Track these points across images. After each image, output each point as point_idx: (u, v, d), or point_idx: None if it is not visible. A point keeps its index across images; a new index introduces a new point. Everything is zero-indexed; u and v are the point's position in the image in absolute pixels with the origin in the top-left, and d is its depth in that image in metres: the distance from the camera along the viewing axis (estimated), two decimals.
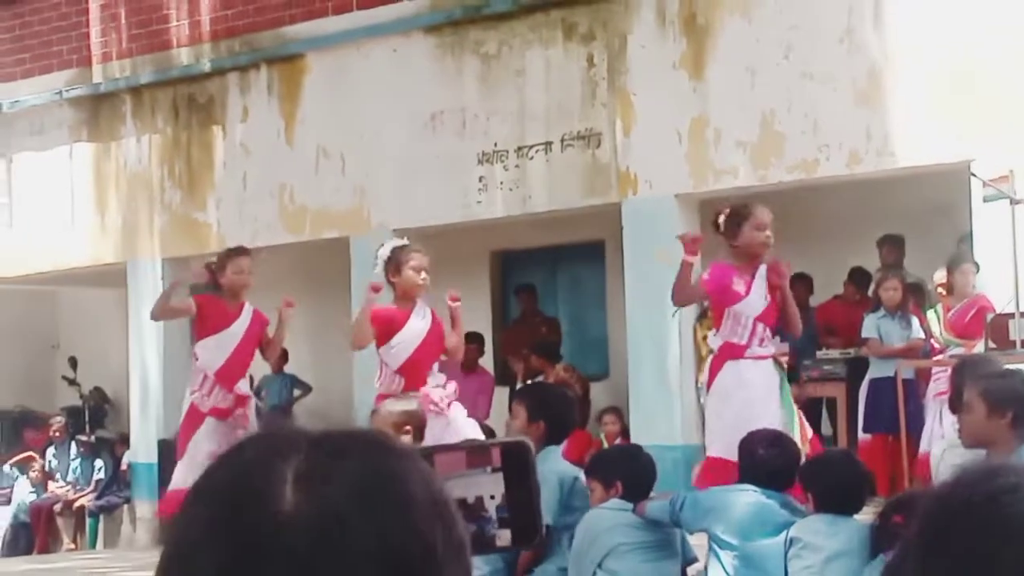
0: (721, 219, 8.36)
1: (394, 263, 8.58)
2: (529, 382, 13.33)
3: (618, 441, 12.53)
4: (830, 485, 5.41)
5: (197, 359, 9.63)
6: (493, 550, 1.35)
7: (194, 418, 9.49)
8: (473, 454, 1.38)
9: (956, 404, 5.65)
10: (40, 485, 16.92)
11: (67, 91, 15.94)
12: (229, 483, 1.18)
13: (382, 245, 8.84)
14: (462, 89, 13.25)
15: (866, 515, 5.25)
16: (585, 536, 5.99)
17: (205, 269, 9.72)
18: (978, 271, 10.99)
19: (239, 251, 9.81)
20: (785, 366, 8.76)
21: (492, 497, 1.36)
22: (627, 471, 6.07)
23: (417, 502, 1.16)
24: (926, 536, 1.25)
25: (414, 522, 1.14)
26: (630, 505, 5.92)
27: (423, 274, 8.62)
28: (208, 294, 9.66)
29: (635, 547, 5.88)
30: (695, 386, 12.29)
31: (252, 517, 1.14)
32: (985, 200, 9.83)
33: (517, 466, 1.38)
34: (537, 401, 6.70)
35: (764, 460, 5.64)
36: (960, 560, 1.20)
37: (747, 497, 5.70)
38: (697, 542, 6.13)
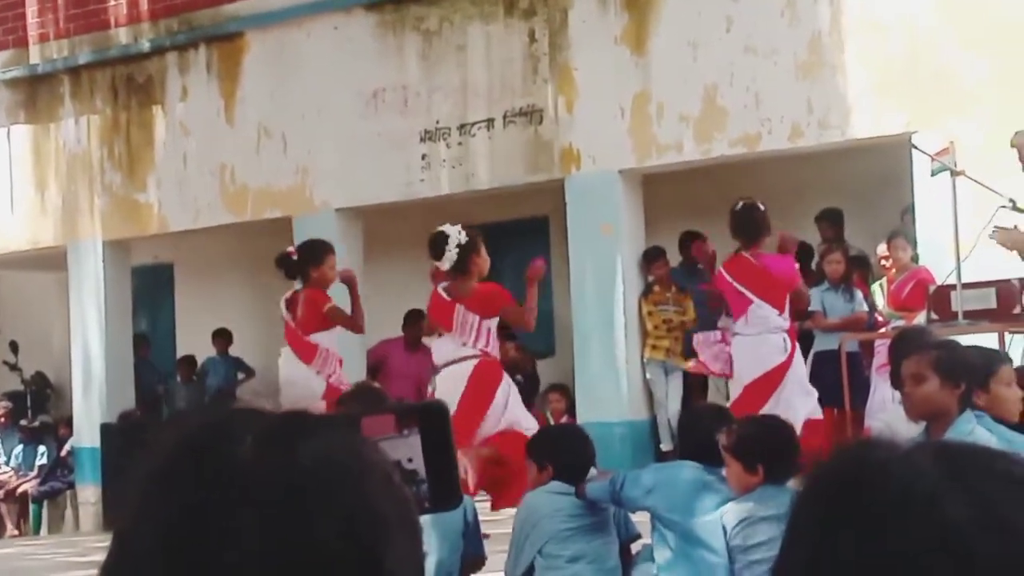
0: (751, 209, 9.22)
1: (474, 247, 9.12)
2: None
3: (564, 419, 12.51)
4: (772, 456, 5.35)
5: (322, 346, 9.69)
6: (423, 512, 1.33)
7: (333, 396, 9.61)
8: (401, 417, 1.36)
9: (895, 377, 5.63)
10: None
11: (4, 72, 15.76)
12: (186, 441, 1.18)
13: (443, 236, 9.15)
14: (404, 66, 13.17)
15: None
16: (526, 520, 5.92)
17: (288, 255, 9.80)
18: (915, 245, 11.05)
19: (330, 246, 9.93)
20: None
21: (410, 460, 1.35)
22: (559, 454, 6.00)
23: (374, 476, 1.18)
24: (800, 522, 1.25)
25: (370, 493, 1.16)
26: (571, 488, 5.85)
27: None
28: (319, 289, 9.73)
29: (576, 531, 5.84)
30: (641, 362, 12.28)
31: (210, 469, 1.14)
32: (933, 174, 9.84)
33: (435, 428, 1.37)
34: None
35: (707, 434, 5.60)
36: (820, 545, 1.21)
37: (688, 473, 5.65)
38: (640, 518, 6.10)
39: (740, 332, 9.31)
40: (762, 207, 9.42)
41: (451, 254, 9.06)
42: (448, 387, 9.02)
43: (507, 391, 9.11)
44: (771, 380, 9.21)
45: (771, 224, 9.38)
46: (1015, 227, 8.93)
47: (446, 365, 9.21)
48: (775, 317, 9.22)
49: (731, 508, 5.41)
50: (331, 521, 1.13)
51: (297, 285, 9.91)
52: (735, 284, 9.31)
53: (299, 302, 9.79)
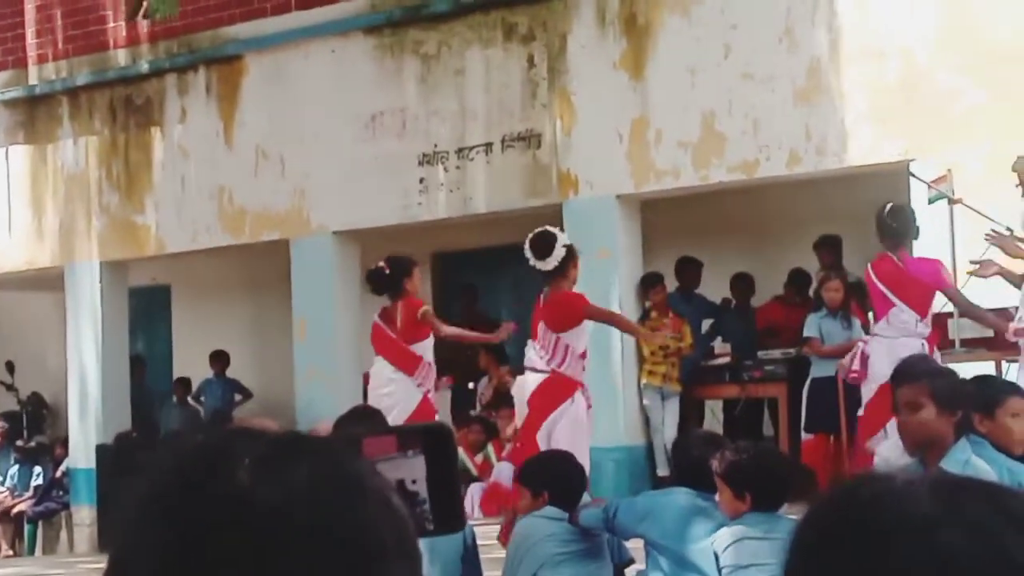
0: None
1: (575, 254, 9.21)
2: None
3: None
4: (761, 484, 5.33)
5: (425, 359, 9.98)
6: (424, 535, 1.31)
7: (427, 409, 9.94)
8: (402, 438, 1.36)
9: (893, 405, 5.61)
10: None
11: (3, 93, 15.77)
12: (183, 462, 1.17)
13: (551, 235, 9.24)
14: (402, 90, 13.18)
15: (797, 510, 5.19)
16: (521, 545, 5.92)
17: (384, 264, 10.15)
18: None
19: (414, 260, 10.35)
20: None
21: (414, 481, 1.35)
22: (553, 480, 6.00)
23: (372, 500, 1.16)
24: (797, 553, 1.26)
25: (368, 518, 1.14)
26: (565, 514, 5.86)
27: None
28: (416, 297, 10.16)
29: (569, 556, 5.83)
30: (637, 388, 12.26)
31: (206, 492, 1.13)
32: (930, 202, 9.86)
33: (439, 450, 1.36)
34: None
35: (699, 461, 5.58)
36: (815, 571, 1.23)
37: (681, 500, 5.64)
38: (633, 543, 6.08)
39: (879, 334, 9.17)
40: (912, 210, 9.41)
41: (559, 252, 9.02)
42: (520, 392, 9.21)
43: (568, 413, 8.93)
44: None
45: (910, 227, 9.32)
46: (1010, 232, 8.92)
47: (528, 369, 9.26)
48: (916, 323, 9.05)
49: (722, 533, 5.40)
50: (326, 546, 1.11)
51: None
52: (879, 284, 9.21)
53: (398, 313, 9.97)
